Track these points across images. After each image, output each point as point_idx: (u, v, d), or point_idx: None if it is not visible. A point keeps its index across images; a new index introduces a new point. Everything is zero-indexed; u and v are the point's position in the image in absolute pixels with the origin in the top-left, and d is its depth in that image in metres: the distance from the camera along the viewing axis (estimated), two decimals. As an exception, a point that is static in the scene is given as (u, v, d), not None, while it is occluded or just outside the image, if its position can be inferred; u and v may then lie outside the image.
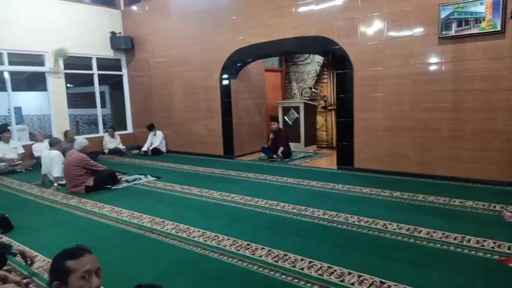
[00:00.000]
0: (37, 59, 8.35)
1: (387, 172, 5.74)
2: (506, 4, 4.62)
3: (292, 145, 7.95)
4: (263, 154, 7.72)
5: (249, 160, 7.63)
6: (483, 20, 4.80)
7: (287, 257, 2.96)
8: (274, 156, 7.43)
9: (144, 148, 8.85)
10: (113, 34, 9.10)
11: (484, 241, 3.13)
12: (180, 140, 8.79)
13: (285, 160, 7.32)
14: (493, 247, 3.01)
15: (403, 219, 3.71)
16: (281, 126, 8.15)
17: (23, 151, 7.59)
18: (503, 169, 4.86)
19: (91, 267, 1.59)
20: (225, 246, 3.25)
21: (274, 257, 2.98)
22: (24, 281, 2.59)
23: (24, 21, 7.80)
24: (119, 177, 5.83)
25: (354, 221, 3.75)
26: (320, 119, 8.93)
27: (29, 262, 2.88)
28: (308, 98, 8.89)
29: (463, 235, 3.25)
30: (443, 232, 3.35)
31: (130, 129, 9.92)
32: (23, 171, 7.22)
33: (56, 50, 8.08)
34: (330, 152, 8.10)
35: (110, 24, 9.19)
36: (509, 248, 2.97)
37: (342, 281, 2.56)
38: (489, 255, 2.88)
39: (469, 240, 3.15)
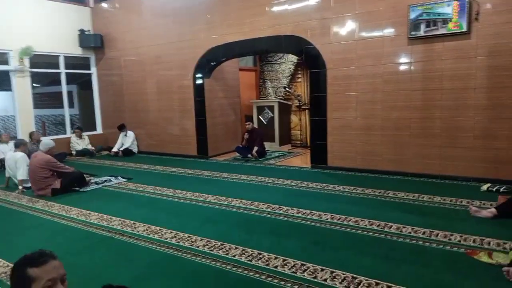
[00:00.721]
0: (1, 58, 7.97)
1: (360, 170, 5.84)
2: (471, 5, 4.79)
3: (267, 145, 7.95)
4: (237, 154, 7.68)
5: (224, 160, 7.58)
6: (450, 21, 4.95)
7: (261, 256, 2.94)
8: (249, 155, 7.40)
9: (115, 149, 8.62)
10: (81, 31, 8.81)
11: (451, 235, 3.22)
12: (153, 140, 8.62)
13: (260, 159, 7.31)
14: (459, 241, 3.10)
15: (374, 216, 3.77)
16: (255, 125, 8.14)
17: (-14, 153, 7.22)
18: (471, 165, 5.03)
19: (55, 274, 1.44)
20: (198, 246, 3.20)
21: (248, 256, 2.95)
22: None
23: (-15, 16, 7.44)
24: (87, 179, 5.64)
25: (327, 219, 3.77)
26: (294, 118, 8.98)
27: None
28: (283, 98, 8.93)
29: (431, 230, 3.33)
30: (412, 227, 3.42)
31: (99, 129, 9.63)
32: (-14, 174, 6.86)
33: (22, 49, 7.74)
34: (304, 151, 8.16)
35: (78, 22, 8.89)
36: (474, 241, 3.07)
37: (315, 277, 2.56)
38: (456, 248, 2.97)
39: (437, 235, 3.24)
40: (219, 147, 8.04)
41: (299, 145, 8.89)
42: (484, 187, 4.60)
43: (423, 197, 4.37)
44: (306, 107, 8.57)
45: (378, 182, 5.20)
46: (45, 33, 8.30)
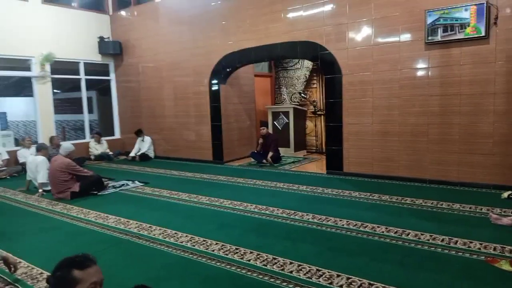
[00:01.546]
0: (24, 64, 8.23)
1: (376, 176, 5.77)
2: (489, 10, 4.72)
3: (282, 150, 7.95)
4: (252, 159, 7.70)
5: (239, 165, 7.60)
6: (468, 25, 4.89)
7: (276, 261, 2.94)
8: (264, 161, 7.41)
9: (132, 154, 8.75)
10: (101, 39, 9.03)
11: (470, 242, 3.15)
12: (169, 145, 8.73)
13: (275, 165, 7.31)
14: (479, 248, 3.03)
15: (391, 222, 3.72)
16: (270, 131, 8.16)
17: (8, 157, 7.44)
18: (491, 172, 4.92)
19: (97, 278, 1.49)
20: (213, 250, 3.21)
21: (263, 261, 2.95)
22: (7, 287, 2.51)
23: (10, 25, 7.70)
24: (105, 182, 5.74)
25: (343, 225, 3.74)
26: (309, 124, 8.96)
27: (12, 269, 2.80)
28: (298, 103, 8.93)
29: (450, 237, 3.27)
30: (430, 234, 3.36)
31: (117, 134, 9.81)
32: (8, 177, 7.07)
33: (44, 55, 7.97)
34: (319, 157, 8.12)
35: (98, 29, 9.12)
36: (495, 249, 3.00)
37: (331, 283, 2.54)
38: (475, 256, 2.90)
39: (456, 242, 3.17)
40: (234, 153, 8.08)
41: (314, 151, 8.85)
42: (505, 194, 4.49)
43: (441, 204, 4.29)
44: (322, 112, 8.55)
45: (395, 188, 5.13)
46: (66, 40, 8.54)
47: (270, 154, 7.36)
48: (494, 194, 4.63)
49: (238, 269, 2.83)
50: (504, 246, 3.04)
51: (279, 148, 7.72)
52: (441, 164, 5.26)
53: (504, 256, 2.86)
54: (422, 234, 3.37)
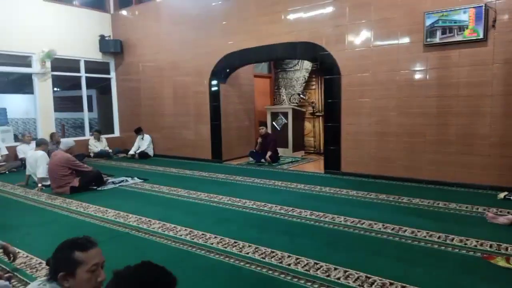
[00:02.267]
0: (24, 61, 8.26)
1: (374, 176, 5.81)
2: (488, 13, 4.78)
3: (280, 151, 7.98)
4: (251, 159, 7.73)
5: (237, 164, 7.63)
6: (467, 28, 4.95)
7: (274, 254, 2.97)
8: (262, 160, 7.45)
9: (131, 152, 8.78)
10: (102, 37, 9.07)
11: (467, 239, 3.19)
12: (168, 144, 8.76)
13: (273, 164, 7.35)
14: (475, 246, 3.07)
15: (388, 219, 3.75)
16: (269, 131, 8.19)
17: (7, 153, 7.45)
18: (487, 173, 4.97)
19: (99, 260, 1.54)
20: (212, 243, 3.24)
21: (261, 254, 2.98)
22: (6, 275, 2.53)
23: (11, 21, 7.72)
24: (105, 178, 5.76)
25: (340, 221, 3.78)
26: (308, 125, 9.01)
27: (11, 258, 2.82)
28: (297, 104, 8.97)
29: (446, 234, 3.30)
30: (427, 231, 3.40)
31: (117, 132, 9.83)
32: (7, 172, 7.08)
33: (46, 52, 7.99)
34: (317, 158, 8.16)
35: (99, 27, 9.16)
36: (491, 247, 3.03)
37: (328, 276, 2.57)
38: (472, 252, 2.94)
39: (452, 239, 3.21)
40: (233, 152, 8.11)
41: (312, 151, 8.90)
42: (501, 195, 4.53)
43: (438, 204, 4.34)
44: (320, 114, 8.60)
45: (392, 188, 5.17)
46: (67, 38, 8.57)
47: (269, 153, 7.40)
48: (490, 195, 4.68)
49: (237, 261, 2.86)
50: (500, 244, 3.08)
51: (278, 148, 7.75)
52: (438, 164, 5.31)
53: (500, 253, 2.90)
54: (418, 231, 3.41)
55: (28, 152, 6.26)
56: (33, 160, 5.66)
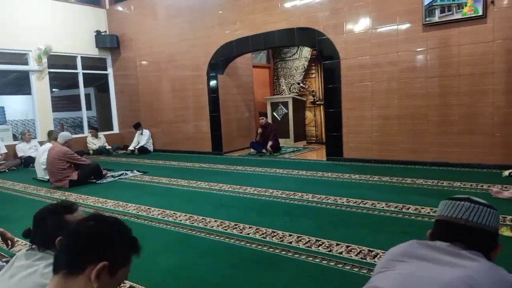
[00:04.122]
0: (21, 59, 8.21)
1: (377, 160, 5.74)
2: (487, -12, 4.69)
3: (282, 141, 7.92)
4: (252, 150, 7.66)
5: (238, 155, 7.57)
6: (465, 5, 4.86)
7: (275, 234, 2.91)
8: (263, 150, 7.38)
9: (131, 147, 8.72)
10: (98, 32, 9.00)
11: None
12: (168, 138, 8.70)
13: (275, 154, 7.28)
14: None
15: (391, 199, 3.68)
16: (269, 121, 8.11)
17: (6, 151, 7.41)
18: (491, 152, 4.88)
19: None
20: (212, 227, 3.19)
21: (262, 234, 2.93)
22: (4, 260, 2.48)
23: (7, 19, 7.67)
24: (104, 172, 5.71)
25: (343, 202, 3.71)
26: (309, 114, 8.93)
27: (10, 245, 2.76)
28: (297, 94, 8.89)
29: (451, 210, 3.23)
30: (431, 207, 3.33)
31: (116, 129, 9.78)
32: (7, 171, 7.04)
33: (43, 49, 7.93)
34: (319, 147, 8.08)
35: (95, 23, 9.09)
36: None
37: (330, 251, 2.51)
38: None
39: (457, 214, 3.13)
40: (234, 144, 8.05)
41: (314, 141, 8.82)
42: (506, 172, 4.45)
43: (442, 183, 4.26)
44: (321, 102, 8.51)
45: (395, 171, 5.09)
46: (63, 34, 8.51)
47: (270, 143, 7.33)
48: (494, 174, 4.59)
49: (237, 241, 2.80)
50: (505, 216, 3.02)
51: (279, 139, 7.68)
52: (442, 146, 5.23)
53: (505, 225, 2.83)
54: (422, 208, 3.34)
55: (41, 148, 6.21)
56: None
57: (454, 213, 1.13)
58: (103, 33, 9.07)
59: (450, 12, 4.98)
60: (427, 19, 5.14)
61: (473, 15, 4.82)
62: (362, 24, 5.72)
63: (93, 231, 1.00)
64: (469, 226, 1.09)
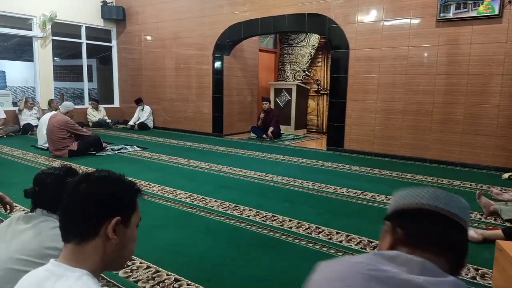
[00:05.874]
0: (24, 24, 8.04)
1: (378, 154, 5.73)
2: (505, -13, 4.62)
3: (282, 128, 7.88)
4: (252, 134, 7.64)
5: (238, 139, 7.54)
6: (482, 3, 4.79)
7: (275, 218, 2.91)
8: (264, 136, 7.35)
9: (131, 123, 8.67)
10: (104, 3, 8.83)
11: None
12: (169, 116, 8.64)
13: (275, 140, 7.26)
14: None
15: (391, 192, 3.67)
16: (272, 107, 8.06)
17: (5, 117, 7.33)
18: (493, 153, 4.89)
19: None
20: (212, 206, 3.18)
21: (262, 217, 2.93)
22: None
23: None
24: (104, 144, 5.68)
25: (343, 192, 3.72)
26: (311, 103, 8.88)
27: (8, 209, 2.75)
28: (301, 81, 8.82)
29: (451, 207, 3.24)
30: (431, 204, 3.34)
31: (117, 103, 9.69)
32: (5, 136, 6.99)
33: (48, 16, 7.76)
34: (319, 136, 8.07)
35: (101, -7, 8.91)
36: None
37: (330, 239, 2.52)
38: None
39: (457, 212, 3.15)
40: (234, 127, 8.01)
41: (314, 130, 8.80)
42: (506, 175, 4.47)
43: (442, 180, 4.28)
44: (325, 92, 8.46)
45: (395, 165, 5.10)
46: (69, 2, 8.33)
47: (271, 129, 7.30)
48: (494, 175, 4.61)
49: (237, 223, 2.80)
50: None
51: (280, 125, 7.65)
52: (444, 144, 5.23)
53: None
54: (422, 203, 3.35)
55: (43, 116, 6.14)
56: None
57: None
58: (109, 4, 8.89)
59: (465, 9, 4.91)
60: (442, 14, 5.07)
61: (489, 14, 4.76)
62: (374, 15, 5.64)
63: (94, 194, 0.96)
64: None
